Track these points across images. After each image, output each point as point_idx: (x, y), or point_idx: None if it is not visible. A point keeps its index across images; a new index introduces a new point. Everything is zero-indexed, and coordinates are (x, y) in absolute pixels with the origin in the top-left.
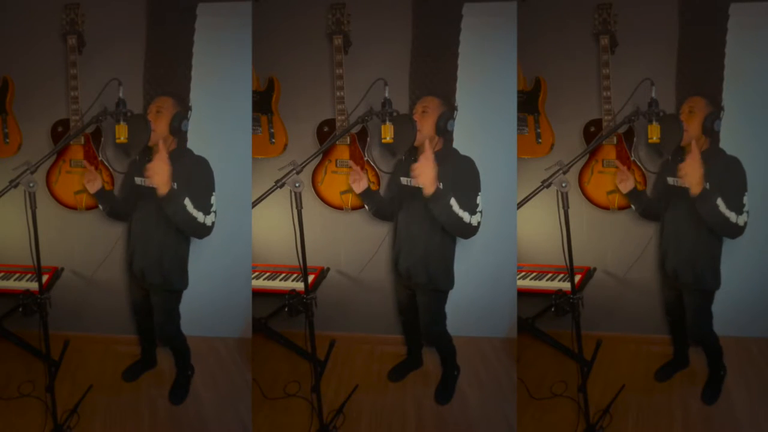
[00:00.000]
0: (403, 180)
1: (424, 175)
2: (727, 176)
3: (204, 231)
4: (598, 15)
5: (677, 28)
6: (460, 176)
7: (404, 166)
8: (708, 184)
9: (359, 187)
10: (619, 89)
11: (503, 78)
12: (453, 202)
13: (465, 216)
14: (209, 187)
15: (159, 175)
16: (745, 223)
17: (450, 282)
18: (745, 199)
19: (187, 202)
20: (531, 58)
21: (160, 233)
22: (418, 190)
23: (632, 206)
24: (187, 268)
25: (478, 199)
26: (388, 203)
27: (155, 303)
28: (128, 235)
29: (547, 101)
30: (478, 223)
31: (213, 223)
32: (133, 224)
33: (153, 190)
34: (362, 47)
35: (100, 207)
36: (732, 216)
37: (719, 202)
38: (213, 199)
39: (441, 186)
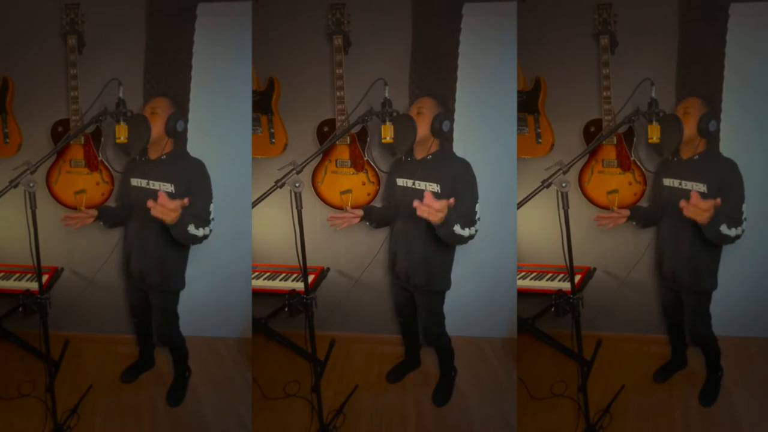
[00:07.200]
0: (399, 182)
1: (430, 214)
2: (726, 184)
3: (197, 241)
4: (598, 15)
5: (677, 28)
6: (459, 184)
7: (400, 168)
8: (706, 187)
9: (354, 221)
10: (619, 89)
11: (503, 78)
12: (457, 228)
13: (465, 232)
14: (208, 197)
15: (165, 214)
16: (737, 236)
17: (447, 283)
18: (744, 208)
19: (191, 227)
20: (531, 58)
21: (161, 235)
22: (415, 192)
23: (633, 223)
24: (185, 268)
25: (477, 207)
26: (387, 212)
27: (154, 304)
28: (125, 237)
29: (547, 101)
30: (476, 231)
31: (210, 231)
32: (130, 226)
33: (151, 192)
34: (362, 47)
35: (101, 224)
36: (732, 232)
37: (723, 228)
38: (211, 208)
39: (447, 213)
